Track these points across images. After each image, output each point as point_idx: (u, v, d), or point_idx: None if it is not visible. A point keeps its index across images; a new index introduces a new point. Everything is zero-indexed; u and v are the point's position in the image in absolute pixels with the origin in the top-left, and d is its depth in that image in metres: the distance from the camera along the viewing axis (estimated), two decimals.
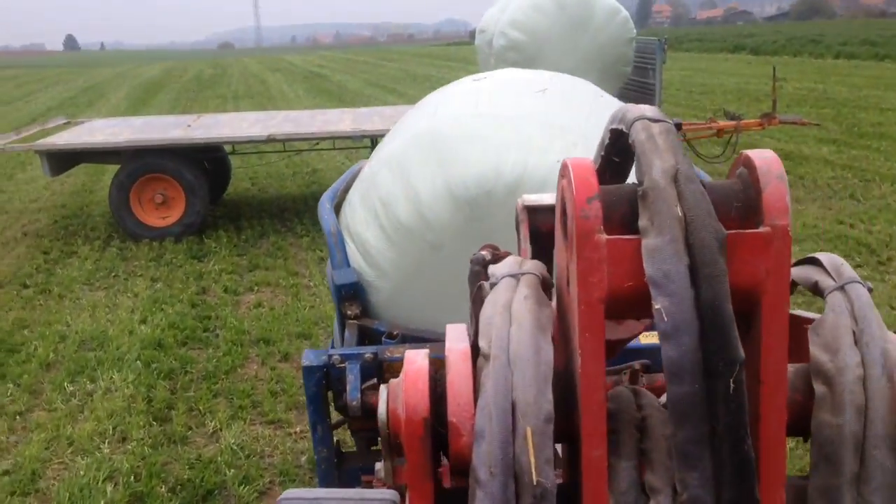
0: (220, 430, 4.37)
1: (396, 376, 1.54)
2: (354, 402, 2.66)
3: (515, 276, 1.11)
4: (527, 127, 2.68)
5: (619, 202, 1.01)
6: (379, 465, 1.23)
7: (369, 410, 2.64)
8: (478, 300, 1.24)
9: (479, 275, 1.42)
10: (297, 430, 4.40)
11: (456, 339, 1.12)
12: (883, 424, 1.00)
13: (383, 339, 2.88)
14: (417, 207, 2.72)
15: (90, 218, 9.28)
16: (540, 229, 1.59)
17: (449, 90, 3.15)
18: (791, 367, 1.12)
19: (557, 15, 8.36)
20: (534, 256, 1.42)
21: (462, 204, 2.65)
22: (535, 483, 0.94)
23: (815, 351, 1.06)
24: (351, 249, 2.97)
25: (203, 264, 7.52)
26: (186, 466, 4.00)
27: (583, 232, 0.96)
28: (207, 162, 9.46)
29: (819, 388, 1.04)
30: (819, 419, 1.03)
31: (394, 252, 2.84)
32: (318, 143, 9.55)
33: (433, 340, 2.57)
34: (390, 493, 1.19)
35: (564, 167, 1.04)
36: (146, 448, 4.15)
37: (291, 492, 1.31)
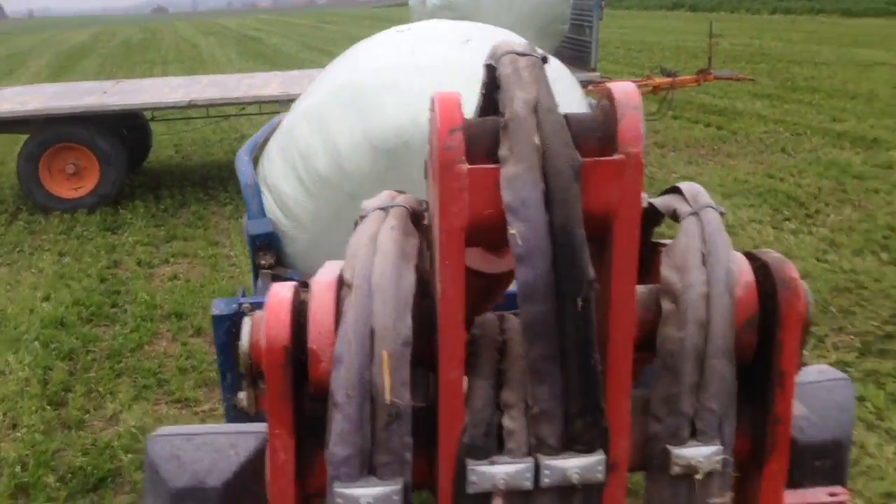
0: (121, 412, 4.09)
1: None
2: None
3: (385, 209, 1.11)
4: (448, 78, 2.63)
5: (483, 134, 1.02)
6: (242, 394, 1.23)
7: None
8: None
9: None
10: (206, 408, 4.15)
11: (325, 273, 1.12)
12: (723, 338, 1.06)
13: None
14: (336, 158, 2.75)
15: None
16: None
17: (371, 41, 3.15)
18: (644, 288, 1.17)
19: None
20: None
21: (381, 154, 2.69)
22: (389, 403, 0.97)
23: (666, 271, 1.11)
24: (268, 201, 2.98)
25: (116, 236, 7.14)
26: (80, 453, 3.72)
27: (445, 162, 0.97)
28: (126, 130, 9.01)
29: (666, 305, 1.08)
30: (664, 334, 1.08)
31: (312, 203, 2.85)
32: (244, 108, 9.15)
33: None
34: (262, 426, 1.19)
35: (432, 101, 1.04)
36: (37, 435, 3.86)
37: (165, 429, 1.34)
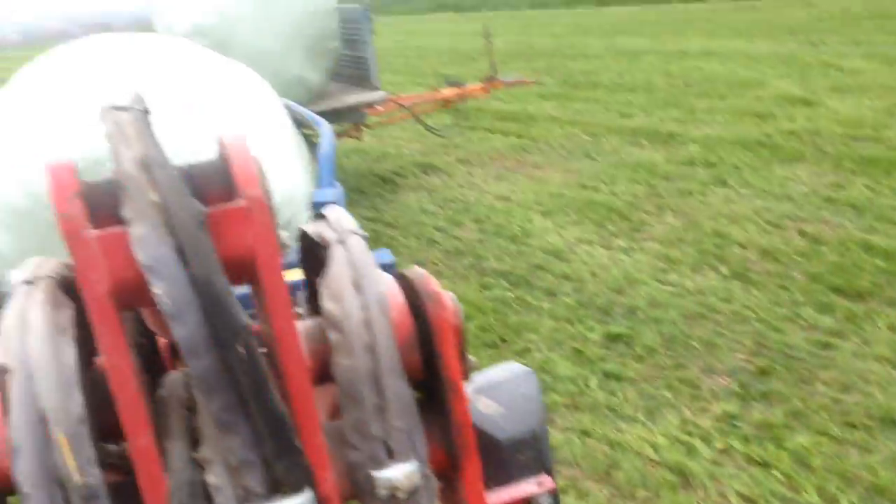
0: None
1: None
2: None
3: (31, 283, 1.04)
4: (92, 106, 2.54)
5: (104, 195, 0.99)
6: None
7: None
8: None
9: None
10: None
11: None
12: (389, 357, 1.09)
13: None
14: (27, 188, 2.77)
15: None
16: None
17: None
18: (311, 322, 1.24)
19: None
20: None
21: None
22: (81, 484, 0.94)
23: (325, 302, 1.12)
24: None
25: None
26: None
27: (70, 231, 0.95)
28: None
29: (333, 335, 1.11)
30: (337, 363, 1.10)
31: (10, 235, 2.85)
32: None
33: None
34: None
35: (46, 173, 1.00)
36: None
37: None
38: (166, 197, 0.94)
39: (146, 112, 1.09)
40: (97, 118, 1.11)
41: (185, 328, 0.91)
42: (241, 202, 1.01)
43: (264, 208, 1.02)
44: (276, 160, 3.05)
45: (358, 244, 1.16)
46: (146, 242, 0.92)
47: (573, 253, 5.82)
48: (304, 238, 1.31)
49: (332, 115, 7.96)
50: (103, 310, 0.97)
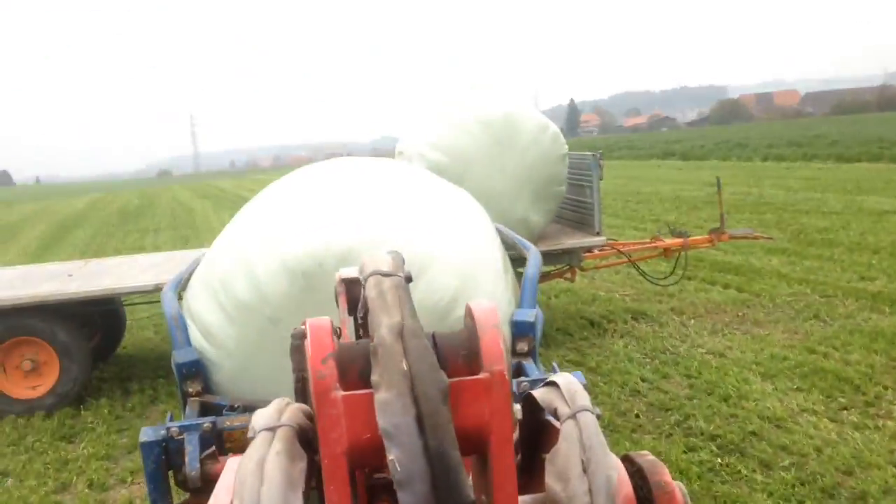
0: None
1: (235, 445, 2.60)
2: (194, 473, 2.67)
3: (272, 430, 1.08)
4: (355, 207, 2.96)
5: (355, 358, 1.06)
6: None
7: (209, 480, 2.67)
8: (299, 376, 1.43)
9: (299, 348, 1.66)
10: None
11: (219, 501, 1.10)
12: None
13: (224, 410, 2.91)
14: (255, 284, 2.87)
15: None
16: (358, 299, 1.77)
17: (284, 179, 3.46)
18: (529, 499, 1.20)
19: (481, 134, 7.55)
20: (357, 329, 1.69)
21: (297, 276, 2.82)
22: None
23: (550, 481, 1.10)
24: (193, 331, 3.07)
25: (72, 447, 6.22)
26: None
27: (320, 390, 1.00)
28: (98, 316, 8.26)
29: None
30: None
31: (234, 329, 2.95)
32: None
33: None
34: None
35: (305, 328, 1.09)
36: None
37: None
38: (415, 367, 0.98)
39: (408, 279, 1.16)
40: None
41: (412, 497, 0.92)
42: (484, 376, 1.03)
43: (505, 384, 1.03)
44: (482, 273, 3.18)
45: (590, 423, 1.14)
46: (390, 409, 0.95)
47: (795, 423, 5.36)
48: (529, 402, 1.30)
49: (548, 257, 8.14)
50: (337, 467, 0.99)
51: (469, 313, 1.11)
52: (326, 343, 1.05)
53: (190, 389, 3.03)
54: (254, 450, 1.07)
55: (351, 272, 1.83)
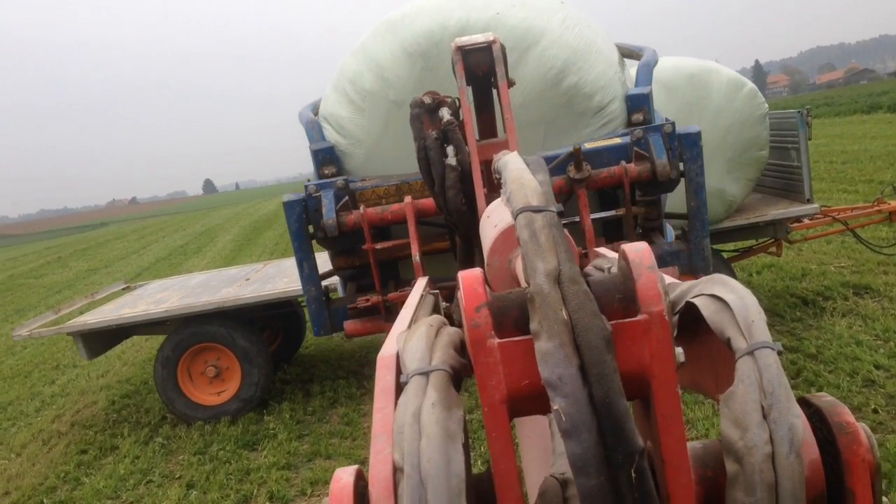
0: None
1: (368, 203, 3.41)
2: (330, 221, 3.26)
3: (425, 374, 1.06)
4: None
5: (509, 307, 1.03)
6: None
7: (345, 229, 3.31)
8: (421, 146, 2.30)
9: (419, 116, 2.36)
10: None
11: (379, 451, 1.06)
12: (793, 499, 0.99)
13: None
14: (379, 73, 3.31)
15: (149, 395, 8.13)
16: (476, 70, 2.23)
17: None
18: (701, 445, 1.14)
19: (665, 98, 6.72)
20: (475, 98, 2.31)
21: (416, 58, 3.24)
22: None
23: (726, 427, 1.04)
24: (327, 131, 3.52)
25: (254, 455, 6.10)
26: None
27: (475, 339, 0.99)
28: (277, 318, 8.23)
29: (731, 465, 1.02)
30: (732, 497, 1.02)
31: (363, 118, 3.41)
32: None
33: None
34: None
35: (458, 280, 1.06)
36: None
37: None
38: (576, 315, 0.94)
39: (560, 213, 1.11)
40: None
41: (579, 446, 0.89)
42: (642, 317, 0.99)
43: (665, 326, 0.99)
44: (593, 55, 3.43)
45: (772, 363, 1.04)
46: (552, 359, 0.92)
47: None
48: (690, 310, 1.18)
49: (748, 231, 7.18)
50: (497, 416, 0.98)
51: (622, 255, 1.07)
52: (479, 292, 1.03)
53: (326, 171, 3.47)
54: (408, 398, 1.05)
55: (466, 40, 2.06)
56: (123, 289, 9.06)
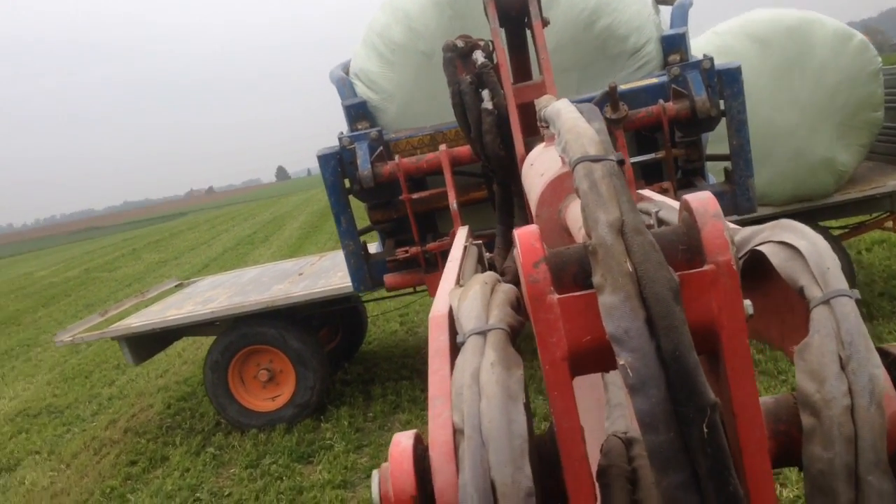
0: None
1: (403, 154, 3.51)
2: (366, 172, 3.32)
3: (482, 334, 1.04)
4: None
5: (568, 262, 1.02)
6: None
7: (380, 180, 3.35)
8: (455, 90, 2.34)
9: (452, 61, 2.36)
10: None
11: (437, 414, 1.04)
12: (874, 451, 0.96)
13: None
14: (408, 24, 3.29)
15: (205, 398, 7.69)
16: (508, 11, 2.21)
17: None
18: (773, 399, 1.10)
19: (758, 55, 5.86)
20: (508, 39, 2.33)
21: (444, 6, 3.21)
22: None
23: (802, 379, 1.02)
24: (359, 87, 3.55)
25: (309, 469, 5.57)
26: None
27: (534, 295, 0.97)
28: (336, 315, 7.69)
29: (807, 419, 1.00)
30: (809, 452, 1.00)
31: (394, 72, 3.44)
32: None
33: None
34: None
35: (514, 236, 1.06)
36: None
37: None
38: (642, 267, 0.91)
39: (620, 162, 1.08)
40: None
41: (647, 402, 0.86)
42: (709, 268, 0.96)
43: (734, 275, 0.96)
44: None
45: (850, 312, 0.99)
46: (617, 313, 0.89)
47: None
48: (754, 257, 1.15)
49: (861, 205, 6.28)
50: (558, 374, 0.96)
51: (685, 205, 1.01)
52: (537, 247, 0.99)
53: (359, 126, 3.47)
54: (466, 358, 1.02)
55: None
56: (175, 286, 8.67)
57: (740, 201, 3.75)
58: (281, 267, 8.45)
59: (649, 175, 3.84)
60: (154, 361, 9.41)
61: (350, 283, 6.35)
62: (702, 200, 1.00)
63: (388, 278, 3.77)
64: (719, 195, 3.69)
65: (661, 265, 0.91)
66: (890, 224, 6.62)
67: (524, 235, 1.02)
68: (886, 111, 6.07)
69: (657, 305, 0.88)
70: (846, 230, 6.87)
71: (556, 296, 0.96)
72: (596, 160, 1.06)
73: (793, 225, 1.10)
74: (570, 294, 0.97)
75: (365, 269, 3.73)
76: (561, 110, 1.40)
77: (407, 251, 3.68)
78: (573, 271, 1.00)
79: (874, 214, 6.55)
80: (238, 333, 6.41)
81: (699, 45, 6.19)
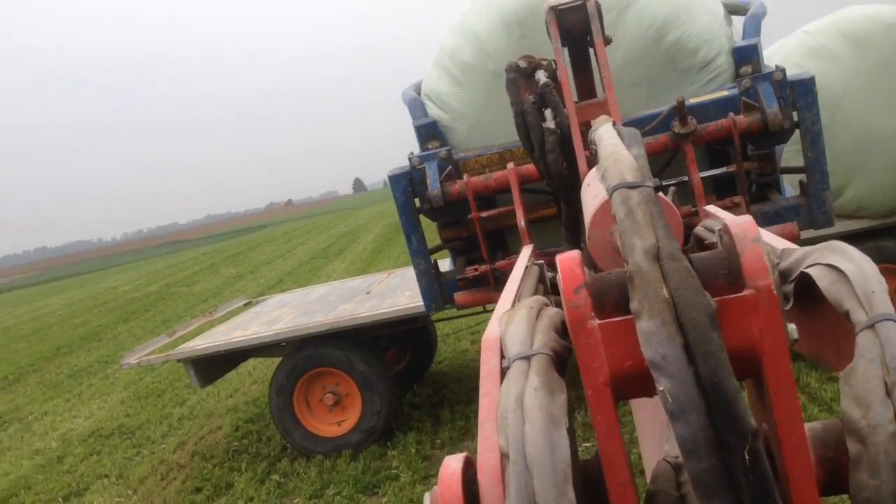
0: None
1: (472, 173, 3.52)
2: (435, 192, 3.36)
3: (527, 359, 1.04)
4: None
5: (609, 287, 1.02)
6: None
7: (450, 199, 3.39)
8: (518, 111, 2.35)
9: (514, 81, 2.39)
10: None
11: (486, 437, 1.04)
12: None
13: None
14: (477, 45, 3.32)
15: (272, 420, 7.52)
16: (571, 30, 2.25)
17: None
18: (821, 425, 1.10)
19: (852, 57, 5.36)
20: (571, 57, 2.39)
21: (513, 26, 3.23)
22: None
23: (847, 405, 0.99)
24: (430, 107, 3.59)
25: (373, 501, 5.31)
26: None
27: (575, 320, 0.98)
28: (405, 335, 7.43)
29: (853, 446, 0.97)
30: (856, 479, 0.97)
31: (464, 92, 3.46)
32: None
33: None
34: None
35: (556, 262, 1.07)
36: None
37: None
38: (678, 293, 0.92)
39: (656, 189, 1.09)
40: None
41: (688, 428, 0.85)
42: (749, 292, 0.97)
43: (774, 300, 0.96)
44: (696, 8, 3.31)
45: (894, 336, 0.96)
46: (655, 339, 0.89)
47: None
48: (804, 281, 1.13)
49: None
50: (601, 398, 0.96)
51: (725, 230, 1.02)
52: (578, 273, 1.01)
53: (430, 146, 3.45)
54: (511, 383, 1.02)
55: (560, 0, 2.21)
56: (245, 305, 8.56)
57: (816, 214, 3.68)
58: (349, 285, 8.25)
59: (722, 189, 3.79)
60: (225, 380, 9.33)
61: (418, 303, 6.18)
62: (741, 225, 1.01)
63: (459, 296, 3.75)
64: (795, 208, 3.65)
65: (698, 291, 0.91)
66: None
67: (565, 261, 1.03)
68: None
69: (694, 331, 0.88)
70: None
71: (597, 321, 0.97)
72: (633, 187, 1.07)
73: (841, 247, 1.09)
74: (611, 319, 0.97)
75: (436, 288, 3.74)
76: (602, 135, 1.43)
77: (476, 269, 3.68)
78: (614, 297, 1.00)
79: None
80: (303, 355, 6.20)
81: (789, 46, 5.72)
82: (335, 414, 6.33)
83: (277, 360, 6.55)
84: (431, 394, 7.31)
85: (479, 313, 7.52)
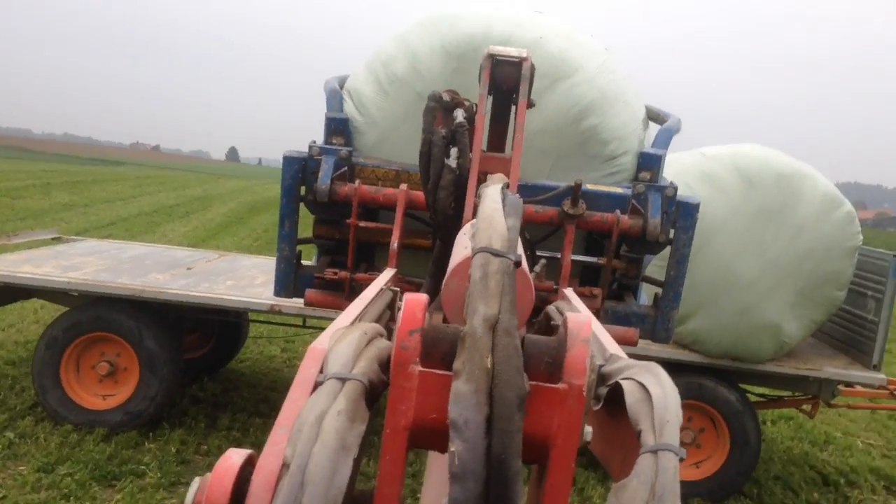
0: None
1: (366, 181, 3.38)
2: (324, 186, 3.27)
3: (342, 380, 1.05)
4: (519, 11, 3.41)
5: (441, 340, 1.04)
6: None
7: (335, 198, 3.31)
8: (426, 139, 2.33)
9: (432, 110, 2.35)
10: None
11: (275, 442, 1.01)
12: None
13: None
14: (413, 63, 3.37)
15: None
16: (501, 82, 2.31)
17: None
18: None
19: (742, 194, 5.40)
20: (493, 107, 2.44)
21: (452, 57, 3.30)
22: None
23: None
24: (347, 105, 3.56)
25: (106, 495, 4.69)
26: None
27: (399, 361, 1.00)
28: (214, 322, 6.86)
29: None
30: None
31: (386, 102, 3.45)
32: None
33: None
34: None
35: (402, 301, 1.08)
36: None
37: None
38: (499, 367, 0.94)
39: (517, 264, 1.13)
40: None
41: (462, 493, 0.88)
42: (562, 386, 1.01)
43: (581, 401, 1.01)
44: (620, 105, 3.49)
45: (670, 467, 1.00)
46: (464, 402, 0.91)
47: None
48: (616, 389, 1.15)
49: (790, 381, 5.83)
50: (396, 441, 0.99)
51: (564, 322, 1.08)
52: (418, 318, 1.03)
53: (334, 140, 3.48)
54: (319, 399, 1.01)
55: (500, 50, 2.28)
56: (52, 239, 7.70)
57: (659, 329, 3.81)
58: (172, 254, 7.56)
59: (587, 276, 3.91)
60: (4, 310, 8.34)
61: (234, 296, 5.68)
62: (578, 323, 1.06)
63: (310, 293, 3.68)
64: (643, 317, 3.77)
65: (518, 371, 0.94)
66: (807, 407, 6.20)
67: (410, 302, 1.05)
68: (848, 293, 5.65)
69: (501, 407, 0.91)
70: (764, 400, 6.42)
71: (420, 368, 1.00)
72: (496, 254, 1.11)
73: (656, 370, 1.12)
74: (433, 371, 1.00)
75: (292, 278, 3.67)
76: (488, 195, 1.47)
77: (336, 273, 3.64)
78: (444, 350, 1.02)
79: (797, 393, 6.12)
80: (91, 314, 5.54)
81: (684, 163, 5.71)
82: (104, 386, 5.67)
83: (64, 308, 5.85)
84: (219, 393, 6.74)
85: (299, 326, 7.07)
